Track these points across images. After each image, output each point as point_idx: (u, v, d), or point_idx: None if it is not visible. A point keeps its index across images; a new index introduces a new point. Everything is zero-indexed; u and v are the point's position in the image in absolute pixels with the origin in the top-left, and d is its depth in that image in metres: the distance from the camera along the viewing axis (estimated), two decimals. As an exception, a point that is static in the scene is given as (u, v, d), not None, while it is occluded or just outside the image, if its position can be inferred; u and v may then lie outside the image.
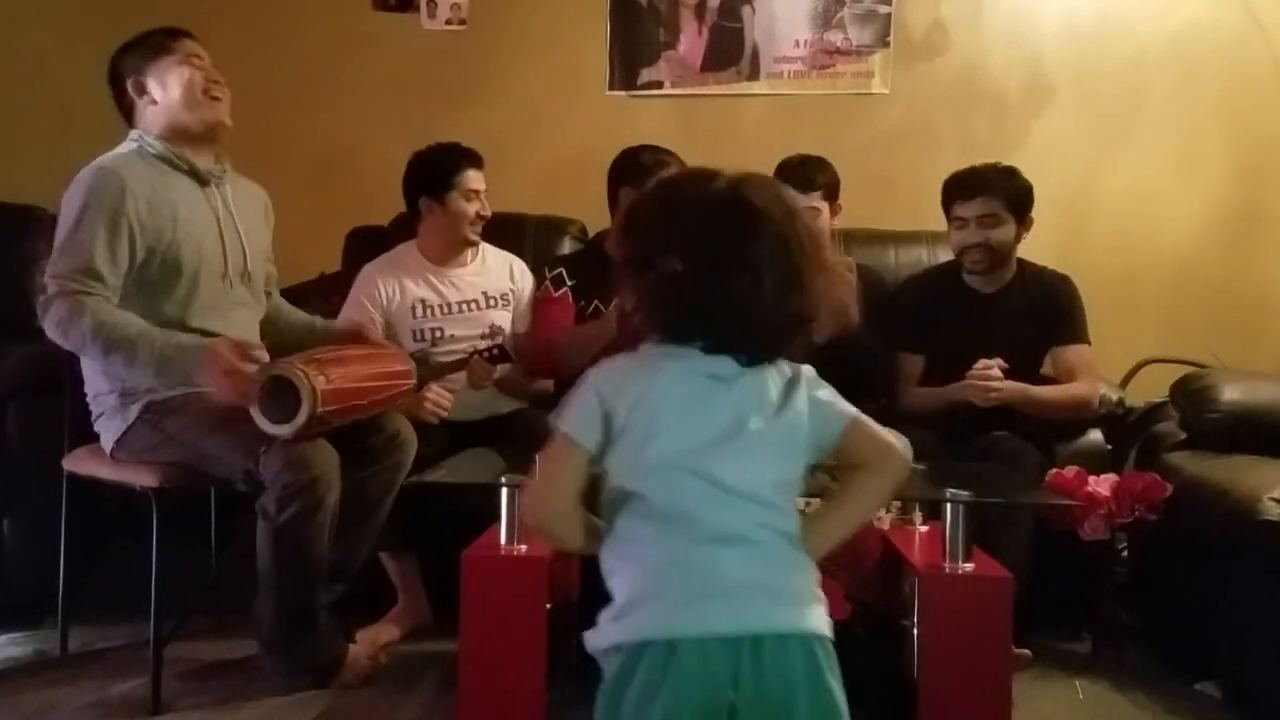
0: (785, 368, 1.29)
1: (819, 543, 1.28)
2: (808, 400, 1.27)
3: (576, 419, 1.24)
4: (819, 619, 1.21)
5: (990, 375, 2.78)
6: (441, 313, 2.98)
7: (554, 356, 3.01)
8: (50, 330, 2.32)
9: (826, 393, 1.30)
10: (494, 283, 3.07)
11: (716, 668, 1.14)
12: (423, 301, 2.98)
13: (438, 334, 2.96)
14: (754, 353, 1.25)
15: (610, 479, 1.26)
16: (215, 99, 2.49)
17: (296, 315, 2.79)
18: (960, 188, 2.98)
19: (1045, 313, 2.98)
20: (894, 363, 3.05)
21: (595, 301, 3.11)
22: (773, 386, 1.27)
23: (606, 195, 3.12)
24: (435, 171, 2.98)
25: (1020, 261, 3.04)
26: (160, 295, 2.39)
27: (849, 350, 2.78)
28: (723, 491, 1.21)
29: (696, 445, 1.22)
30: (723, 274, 1.21)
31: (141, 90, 2.49)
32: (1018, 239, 2.99)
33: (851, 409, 1.30)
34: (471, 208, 2.98)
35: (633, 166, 3.00)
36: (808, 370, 1.31)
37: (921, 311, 3.06)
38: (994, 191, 2.94)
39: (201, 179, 2.50)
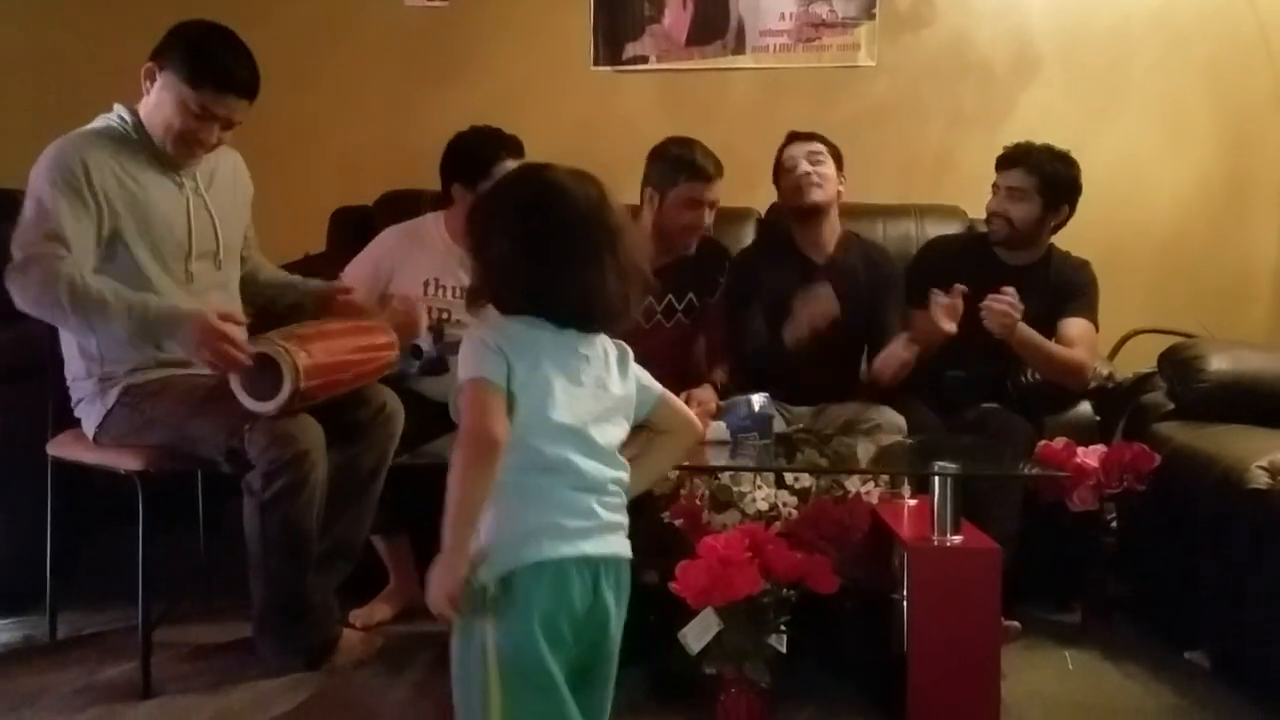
0: (611, 345, 1.54)
1: (632, 489, 1.54)
2: (634, 375, 1.55)
3: (490, 366, 1.42)
4: (628, 546, 1.51)
5: (1012, 303, 2.75)
6: (453, 295, 2.90)
7: None
8: (22, 300, 2.25)
9: (642, 371, 1.57)
10: None
11: (586, 579, 1.44)
12: (436, 280, 2.92)
13: (445, 316, 2.87)
14: (582, 325, 1.48)
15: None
16: (189, 148, 2.42)
17: (276, 273, 2.75)
18: (1006, 157, 3.02)
19: (1061, 292, 2.99)
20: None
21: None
22: (612, 361, 1.53)
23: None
24: (474, 159, 2.84)
25: (1051, 245, 3.06)
26: (127, 275, 2.34)
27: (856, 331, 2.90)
28: (595, 450, 1.46)
29: (582, 412, 1.46)
30: (543, 255, 1.45)
31: (151, 78, 2.40)
32: (1043, 223, 2.99)
33: (660, 386, 1.58)
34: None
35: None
36: (627, 348, 1.56)
37: (944, 272, 3.04)
38: (1031, 168, 2.95)
39: (173, 166, 2.44)
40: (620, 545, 1.49)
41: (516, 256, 1.45)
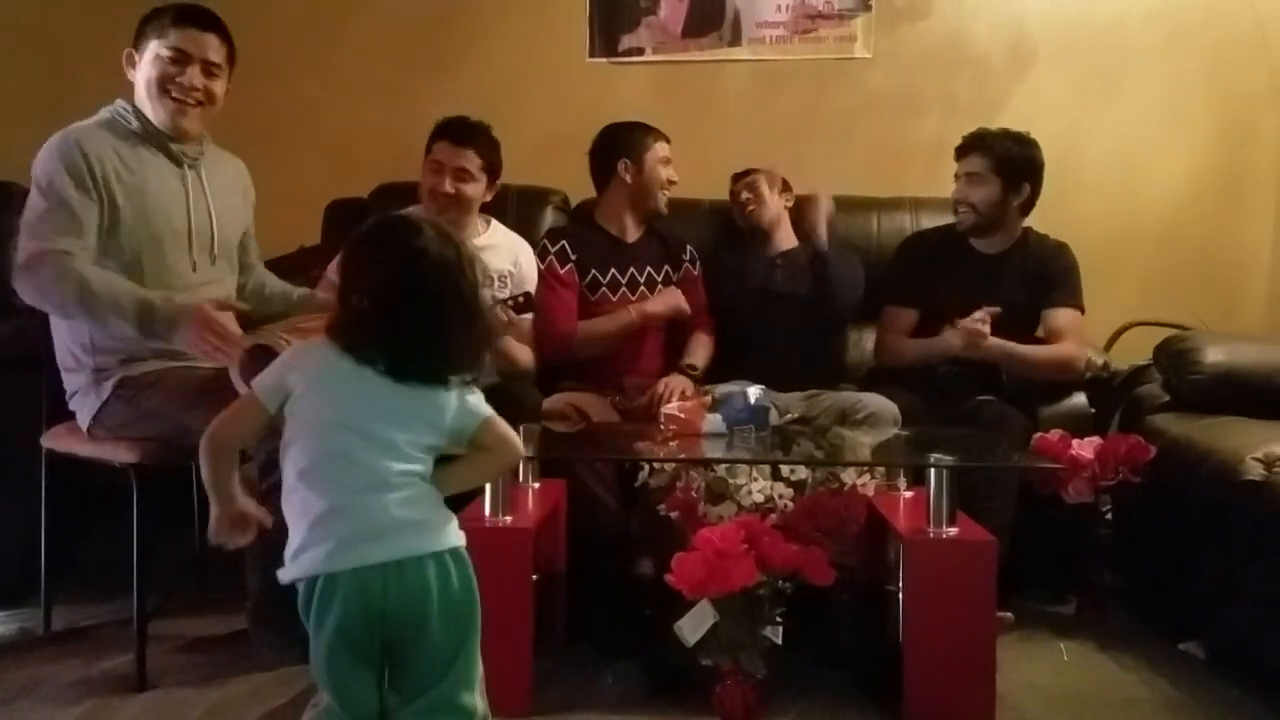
0: None
1: (443, 487, 1.62)
2: (457, 394, 1.61)
3: (268, 387, 1.57)
4: (448, 536, 1.57)
5: (980, 320, 2.80)
6: None
7: (573, 345, 3.03)
8: (28, 293, 2.29)
9: (474, 396, 1.64)
10: (496, 262, 2.99)
11: (371, 587, 1.51)
12: None
13: None
14: (428, 381, 1.57)
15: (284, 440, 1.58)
16: (178, 101, 2.44)
17: (279, 286, 2.77)
18: (961, 144, 3.07)
19: (1041, 278, 3.00)
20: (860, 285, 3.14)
21: (593, 272, 3.11)
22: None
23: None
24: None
25: (1026, 229, 3.08)
26: (125, 266, 2.36)
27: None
28: (376, 444, 1.54)
29: (364, 410, 1.55)
30: (398, 314, 1.54)
31: (133, 63, 2.46)
32: (1006, 204, 3.00)
33: (488, 410, 1.65)
34: (432, 179, 2.93)
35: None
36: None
37: (920, 267, 3.08)
38: (984, 151, 3.00)
39: (174, 159, 2.47)
40: (419, 541, 1.54)
41: (376, 316, 1.54)
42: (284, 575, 1.55)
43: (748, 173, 3.27)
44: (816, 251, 3.08)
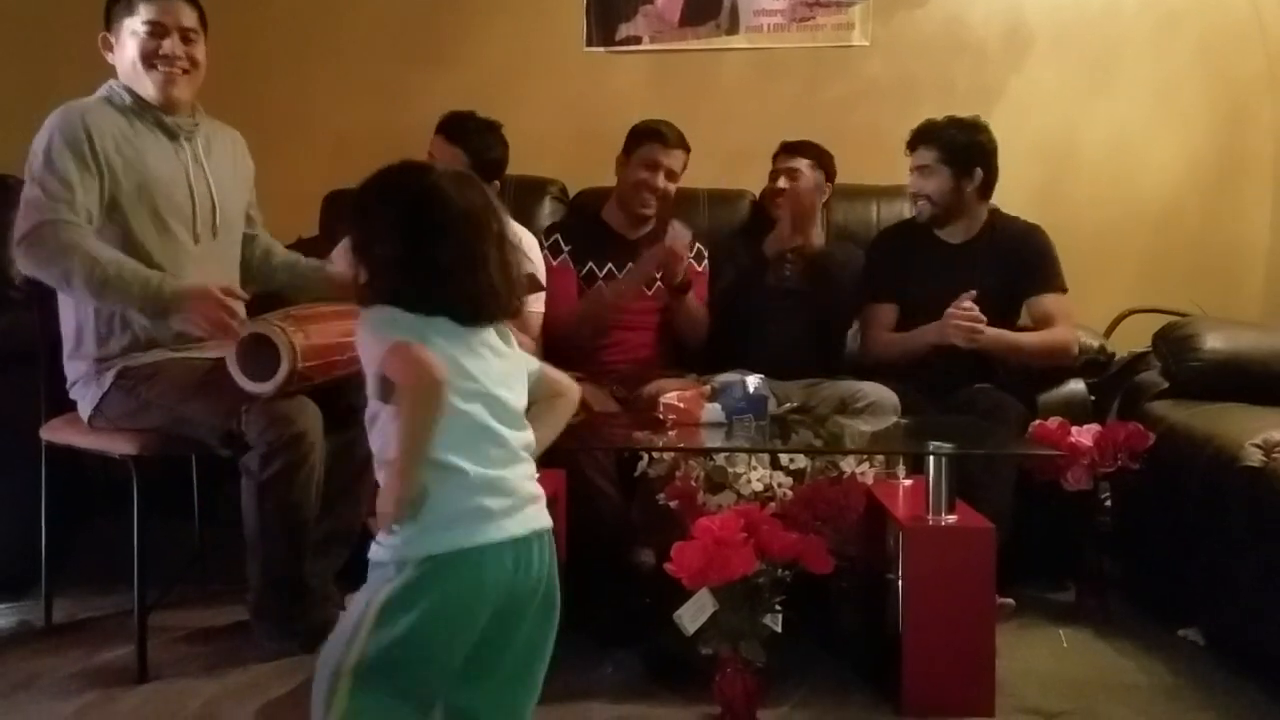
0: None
1: (538, 448, 1.56)
2: (516, 343, 1.57)
3: (400, 330, 1.41)
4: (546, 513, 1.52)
5: (974, 315, 2.80)
6: None
7: (567, 331, 3.02)
8: (29, 265, 2.30)
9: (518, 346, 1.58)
10: None
11: (507, 561, 1.43)
12: None
13: None
14: (472, 322, 1.48)
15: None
16: (165, 72, 2.44)
17: (286, 255, 2.77)
18: (910, 138, 3.06)
19: (1014, 263, 2.99)
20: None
21: (590, 264, 3.10)
22: (498, 335, 1.53)
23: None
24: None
25: (992, 212, 3.07)
26: (125, 241, 2.36)
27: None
28: (507, 414, 1.48)
29: (487, 375, 1.46)
30: (430, 256, 1.45)
31: (109, 46, 2.47)
32: (959, 191, 2.99)
33: (535, 359, 1.61)
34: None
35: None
36: (504, 326, 1.56)
37: (891, 262, 3.09)
38: (930, 142, 3.00)
39: (170, 133, 2.47)
40: (543, 518, 1.49)
41: (409, 254, 1.45)
42: (406, 550, 1.39)
43: (796, 149, 3.21)
44: (819, 253, 3.07)
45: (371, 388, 1.45)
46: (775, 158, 3.25)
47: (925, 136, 3.02)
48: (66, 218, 2.27)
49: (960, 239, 3.05)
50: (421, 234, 1.46)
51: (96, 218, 2.34)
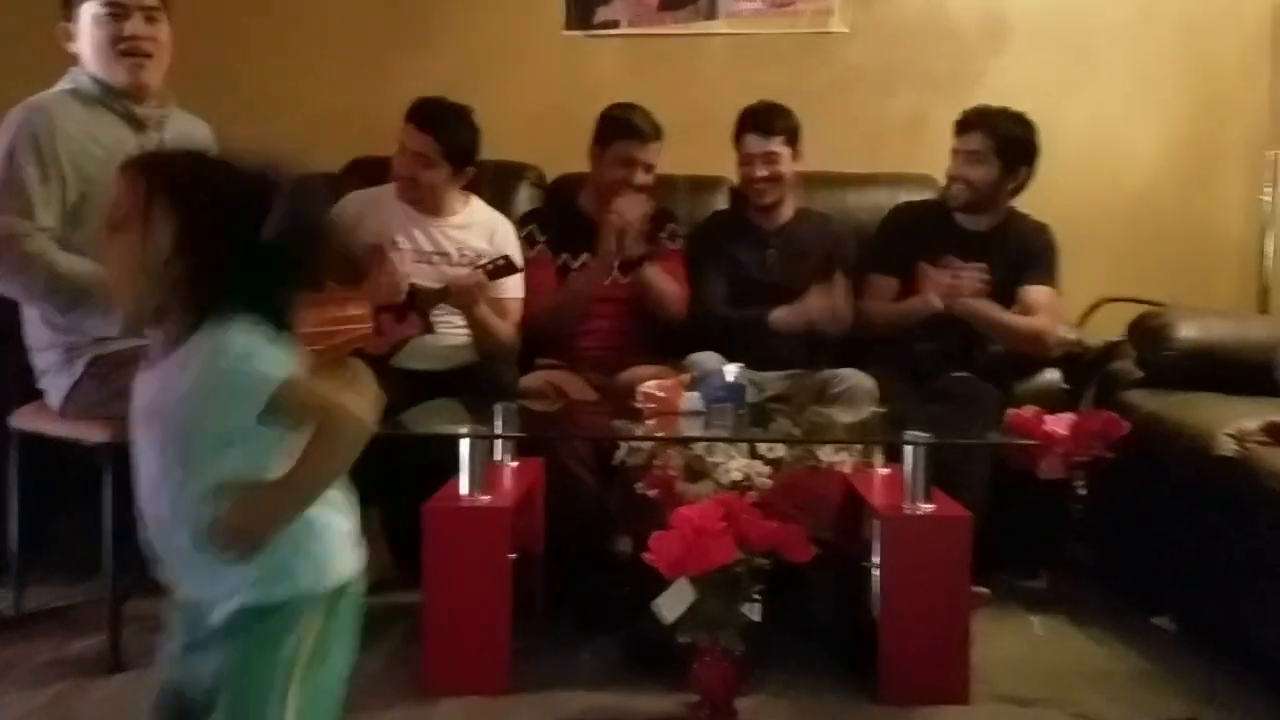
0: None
1: None
2: None
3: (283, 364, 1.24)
4: None
5: (964, 281, 2.83)
6: (412, 259, 2.89)
7: (540, 323, 3.00)
8: None
9: None
10: (473, 241, 2.97)
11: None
12: (394, 243, 2.90)
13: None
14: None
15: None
16: (132, 60, 2.39)
17: None
18: (962, 120, 3.04)
19: (1021, 257, 3.01)
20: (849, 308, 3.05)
21: (565, 255, 3.07)
22: None
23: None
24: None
25: (1011, 209, 3.08)
26: (93, 246, 2.32)
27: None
28: None
29: None
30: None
31: (70, 36, 2.41)
32: (1001, 185, 3.01)
33: None
34: (396, 160, 2.91)
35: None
36: None
37: (904, 239, 3.08)
38: (988, 131, 2.98)
39: (137, 124, 2.43)
40: None
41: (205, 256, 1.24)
42: (313, 579, 1.27)
43: (768, 128, 3.03)
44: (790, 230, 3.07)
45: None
46: (742, 133, 3.08)
47: (981, 123, 2.99)
48: (23, 229, 2.22)
49: (978, 228, 3.05)
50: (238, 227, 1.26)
51: (59, 226, 2.28)
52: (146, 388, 1.31)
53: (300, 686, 1.24)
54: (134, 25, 2.38)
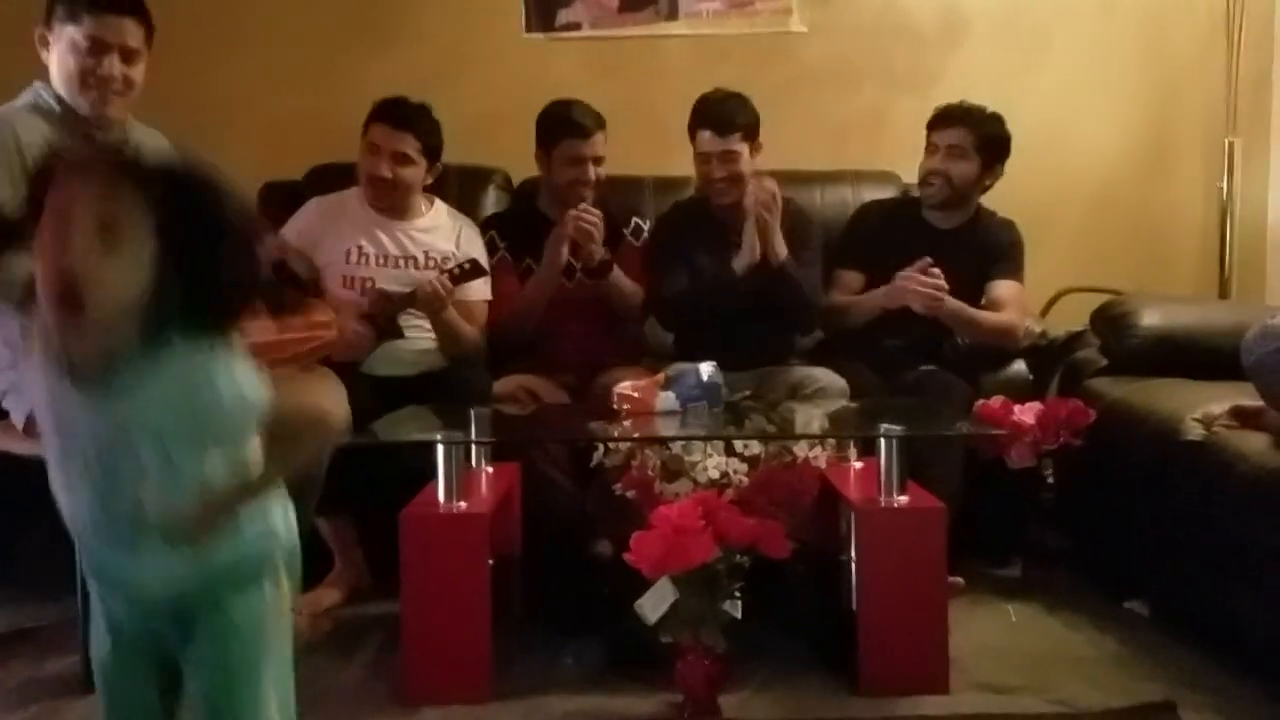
0: None
1: None
2: None
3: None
4: None
5: (938, 283, 2.83)
6: (377, 263, 2.89)
7: (503, 328, 2.99)
8: None
9: None
10: (439, 244, 2.96)
11: None
12: (359, 248, 2.89)
13: (366, 284, 2.86)
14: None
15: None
16: (99, 93, 2.36)
17: None
18: (942, 116, 3.06)
19: (989, 254, 3.05)
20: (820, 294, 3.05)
21: (528, 260, 3.06)
22: None
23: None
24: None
25: (979, 207, 3.12)
26: None
27: (775, 285, 2.89)
28: None
29: None
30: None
31: (45, 44, 2.38)
32: (978, 182, 3.05)
33: None
34: (369, 163, 2.89)
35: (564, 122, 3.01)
36: None
37: (872, 235, 3.10)
38: (970, 126, 3.01)
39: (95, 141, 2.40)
40: None
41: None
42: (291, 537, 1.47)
43: (722, 123, 2.92)
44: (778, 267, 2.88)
45: None
46: (697, 128, 2.98)
47: (962, 118, 3.01)
48: None
49: (948, 225, 3.08)
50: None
51: None
52: (102, 402, 1.25)
53: (280, 639, 1.34)
54: (109, 65, 2.35)
